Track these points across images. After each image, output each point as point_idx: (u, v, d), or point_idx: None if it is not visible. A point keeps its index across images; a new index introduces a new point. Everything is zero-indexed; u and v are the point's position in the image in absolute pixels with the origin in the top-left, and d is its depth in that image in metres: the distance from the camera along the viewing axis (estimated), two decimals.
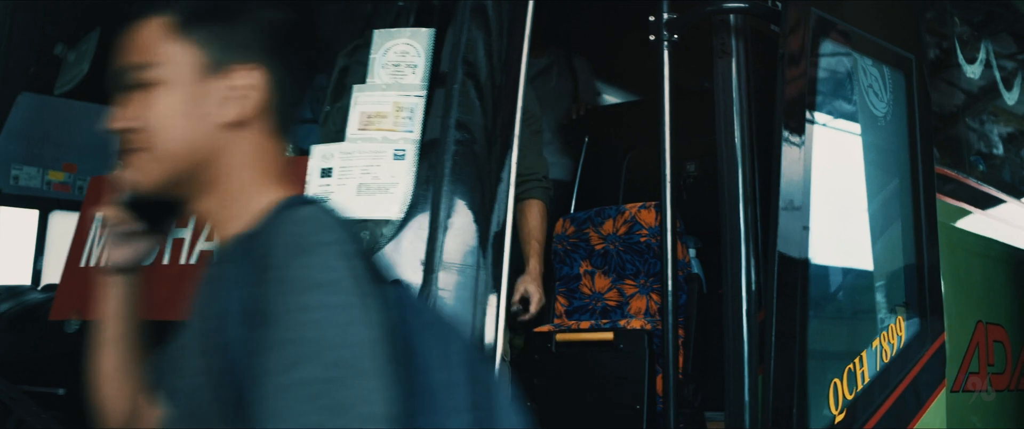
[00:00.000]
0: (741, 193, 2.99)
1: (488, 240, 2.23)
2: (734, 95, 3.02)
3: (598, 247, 3.52)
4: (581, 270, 3.56)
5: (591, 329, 3.49)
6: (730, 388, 2.82)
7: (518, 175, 2.39)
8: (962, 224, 4.22)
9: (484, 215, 2.25)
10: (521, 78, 2.36)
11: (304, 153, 2.31)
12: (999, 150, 5.20)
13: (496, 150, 2.31)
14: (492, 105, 2.34)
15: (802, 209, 2.90)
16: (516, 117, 2.34)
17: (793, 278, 2.86)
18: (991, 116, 5.15)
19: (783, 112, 2.89)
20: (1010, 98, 5.22)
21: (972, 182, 4.50)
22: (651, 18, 3.19)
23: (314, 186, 2.24)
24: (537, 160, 3.32)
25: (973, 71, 4.84)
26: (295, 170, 2.17)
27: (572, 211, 4.22)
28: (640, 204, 3.47)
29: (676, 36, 3.18)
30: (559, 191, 4.22)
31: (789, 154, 2.88)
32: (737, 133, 3.00)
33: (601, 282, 3.54)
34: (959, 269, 3.80)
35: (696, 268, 3.55)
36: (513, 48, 2.38)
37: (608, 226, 3.52)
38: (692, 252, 3.53)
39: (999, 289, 4.54)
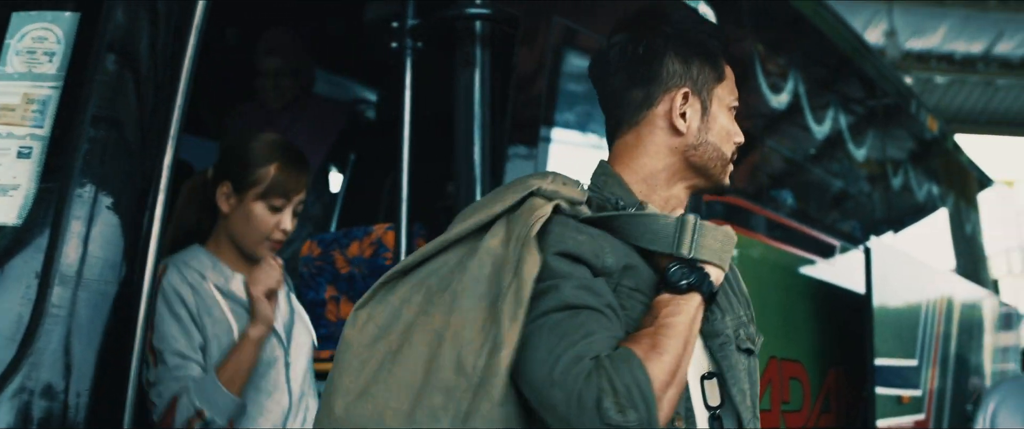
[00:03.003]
0: None
1: (126, 248, 1.97)
2: (475, 108, 2.82)
3: (343, 271, 3.27)
4: (326, 296, 3.30)
5: (330, 359, 3.23)
6: None
7: None
8: (757, 256, 4.10)
9: (126, 220, 1.98)
10: (185, 72, 2.10)
11: None
12: (804, 182, 5.14)
13: (151, 149, 2.05)
14: (152, 99, 2.08)
15: None
16: (176, 113, 2.08)
17: None
18: (798, 147, 5.08)
19: (511, 126, 2.69)
20: (820, 131, 5.17)
21: (769, 213, 4.40)
22: (394, 24, 2.99)
23: None
24: None
25: (779, 101, 4.75)
26: None
27: (331, 231, 3.98)
28: (387, 225, 3.24)
29: (420, 43, 2.98)
30: (321, 212, 3.98)
31: (516, 172, 2.69)
32: (477, 150, 2.80)
33: (346, 308, 3.29)
34: (752, 302, 3.67)
35: None
36: (180, 40, 2.12)
37: (354, 248, 3.27)
38: None
39: (798, 323, 4.44)
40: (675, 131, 1.75)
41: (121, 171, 2.01)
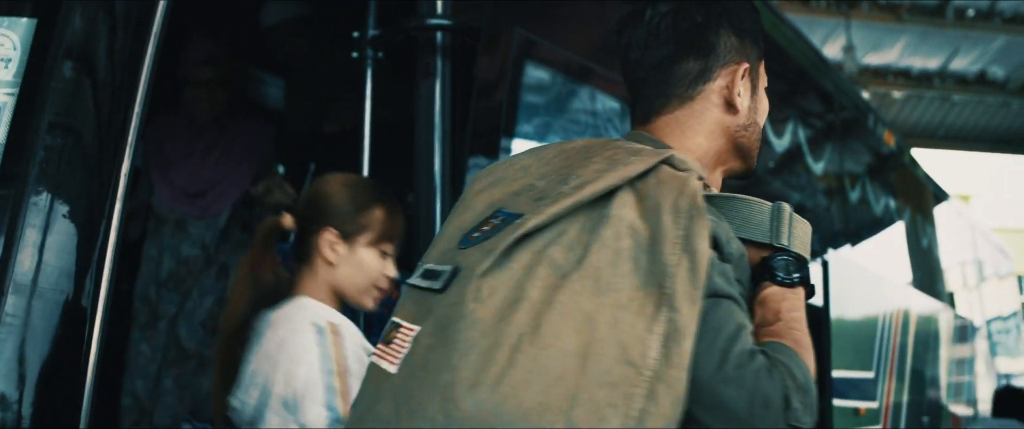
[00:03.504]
0: (438, 225, 2.78)
1: (82, 257, 1.95)
2: (436, 119, 2.82)
3: None
4: None
5: None
6: None
7: None
8: None
9: (83, 229, 1.96)
10: (144, 78, 2.09)
11: None
12: (762, 195, 5.15)
13: (108, 156, 2.03)
14: (110, 106, 2.06)
15: None
16: (134, 120, 2.07)
17: None
18: (757, 160, 5.09)
19: (472, 136, 2.69)
20: (778, 144, 5.20)
21: None
22: (355, 34, 2.99)
23: None
24: None
25: None
26: None
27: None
28: None
29: (380, 54, 2.98)
30: None
31: None
32: (437, 160, 2.80)
33: None
34: None
35: None
36: (138, 45, 2.11)
37: None
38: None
39: None
40: (730, 109, 1.63)
41: (78, 179, 1.99)
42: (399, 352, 1.33)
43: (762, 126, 1.69)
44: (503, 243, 1.29)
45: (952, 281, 8.89)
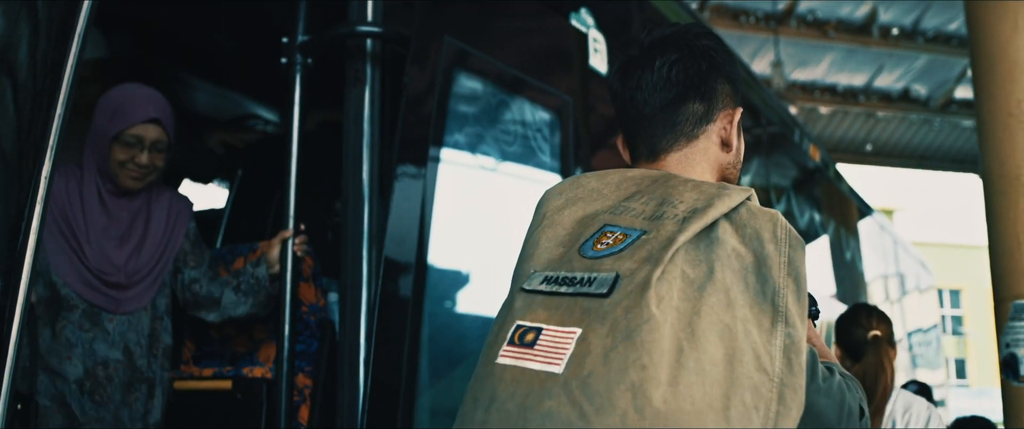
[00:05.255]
0: (366, 233, 2.77)
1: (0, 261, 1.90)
2: (365, 127, 2.81)
3: None
4: None
5: (213, 376, 3.18)
6: None
7: None
8: None
9: (1, 233, 1.92)
10: (66, 81, 2.05)
11: None
12: None
13: (28, 160, 1.99)
14: (31, 109, 2.02)
15: (414, 251, 2.70)
16: (55, 123, 2.02)
17: (399, 326, 2.64)
18: None
19: (400, 145, 2.68)
20: None
21: None
22: (284, 40, 2.97)
23: None
24: None
25: None
26: None
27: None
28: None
29: (309, 60, 2.96)
30: (205, 228, 3.89)
31: (404, 192, 2.68)
32: (365, 168, 2.80)
33: (230, 326, 3.24)
34: None
35: (337, 313, 3.29)
36: (61, 48, 2.07)
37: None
38: (333, 297, 3.26)
39: None
40: (726, 147, 1.78)
41: None
42: (557, 353, 1.41)
43: (740, 165, 1.84)
44: (664, 255, 1.43)
45: (875, 294, 9.03)
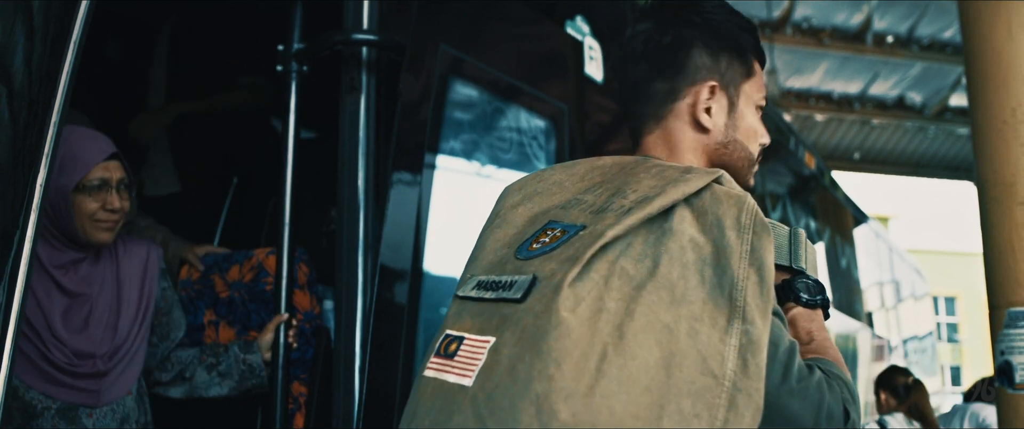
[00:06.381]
0: (361, 241, 2.77)
1: None
2: (360, 135, 2.81)
3: (223, 295, 3.21)
4: (205, 320, 3.23)
5: None
6: None
7: None
8: None
9: None
10: (61, 90, 2.05)
11: None
12: None
13: (23, 169, 1.99)
14: (26, 117, 2.02)
15: (409, 258, 2.70)
16: (50, 131, 2.02)
17: (394, 333, 2.63)
18: None
19: (396, 152, 2.68)
20: None
21: None
22: (279, 48, 2.97)
23: None
24: None
25: None
26: None
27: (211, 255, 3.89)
28: (269, 250, 3.19)
29: (305, 67, 2.96)
30: (201, 235, 3.89)
31: (400, 199, 2.67)
32: (361, 176, 2.79)
33: (226, 333, 3.22)
34: None
35: (332, 321, 3.29)
36: (57, 56, 2.07)
37: (234, 272, 3.21)
38: (329, 304, 3.26)
39: None
40: (700, 127, 1.64)
41: None
42: (471, 364, 1.30)
43: (751, 143, 1.69)
44: (585, 253, 1.30)
45: (870, 301, 9.03)
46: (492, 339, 1.30)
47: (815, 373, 1.37)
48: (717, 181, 1.42)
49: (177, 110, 3.99)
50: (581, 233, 1.36)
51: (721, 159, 1.66)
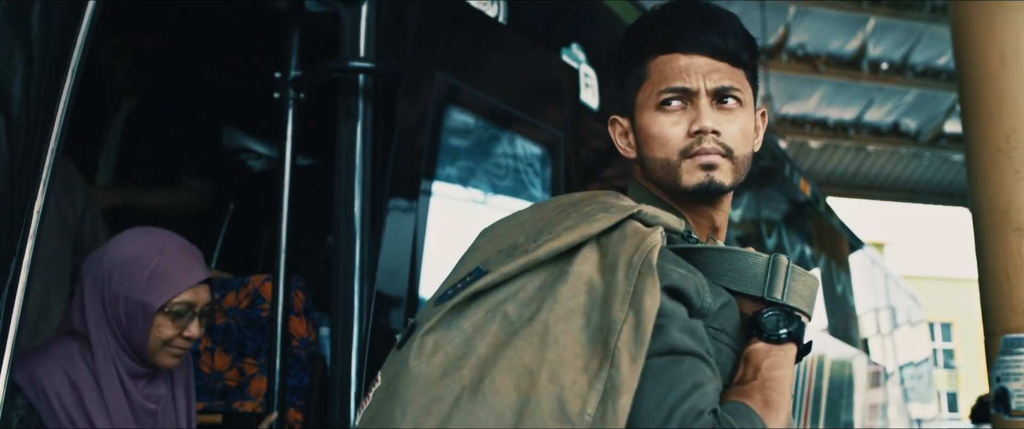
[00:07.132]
0: (357, 267, 2.77)
1: None
2: (357, 162, 2.82)
3: (219, 322, 3.21)
4: (201, 346, 3.23)
5: (204, 411, 3.16)
6: None
7: None
8: None
9: None
10: (59, 116, 2.06)
11: None
12: None
13: (21, 194, 1.99)
14: (24, 143, 2.02)
15: (405, 285, 2.70)
16: (48, 158, 2.03)
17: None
18: None
19: (392, 179, 2.69)
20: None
21: None
22: (276, 75, 2.98)
23: None
24: None
25: None
26: None
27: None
28: (265, 276, 3.19)
29: (302, 95, 2.97)
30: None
31: (396, 226, 2.68)
32: (357, 203, 2.80)
33: (221, 360, 3.22)
34: None
35: (328, 348, 3.29)
36: (55, 82, 2.08)
37: (230, 299, 3.22)
38: (325, 331, 3.26)
39: None
40: (621, 154, 1.67)
41: None
42: (364, 403, 1.39)
43: (655, 149, 1.61)
44: (454, 299, 1.35)
45: (866, 328, 9.03)
46: (379, 382, 1.38)
47: (702, 419, 1.28)
48: (636, 217, 1.41)
49: (119, 198, 3.98)
50: (478, 280, 1.38)
51: (651, 178, 1.64)
